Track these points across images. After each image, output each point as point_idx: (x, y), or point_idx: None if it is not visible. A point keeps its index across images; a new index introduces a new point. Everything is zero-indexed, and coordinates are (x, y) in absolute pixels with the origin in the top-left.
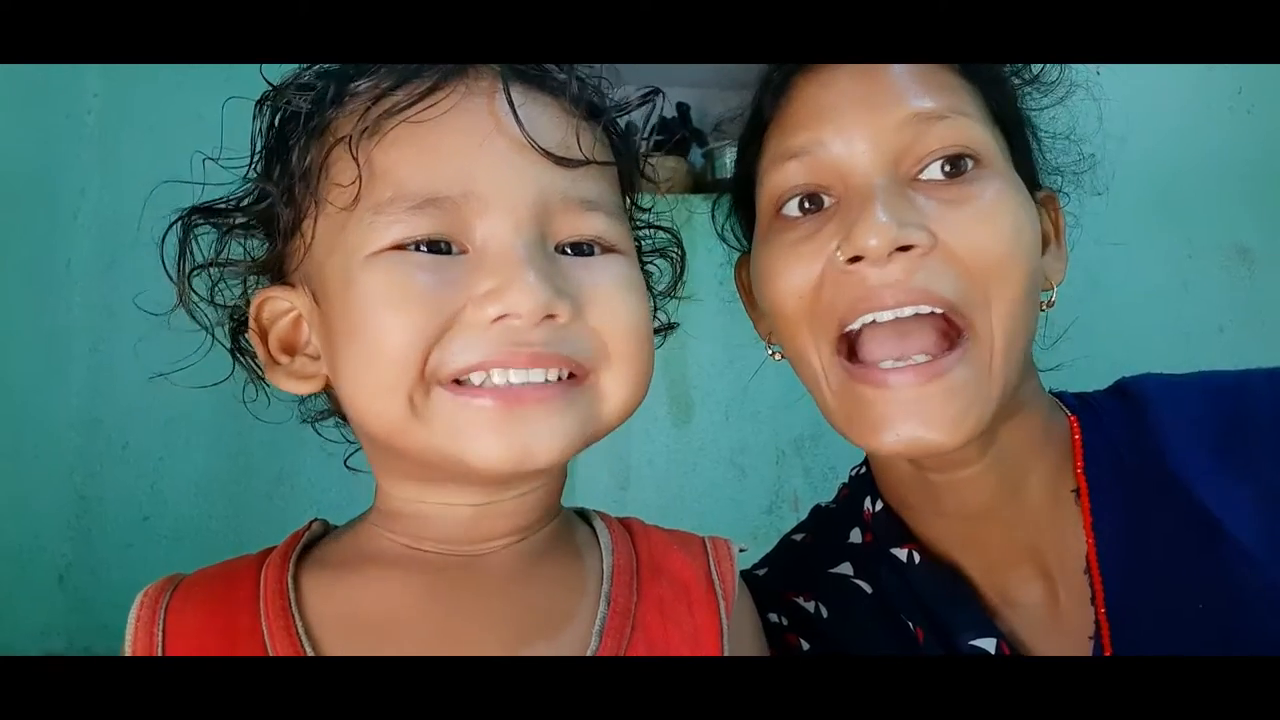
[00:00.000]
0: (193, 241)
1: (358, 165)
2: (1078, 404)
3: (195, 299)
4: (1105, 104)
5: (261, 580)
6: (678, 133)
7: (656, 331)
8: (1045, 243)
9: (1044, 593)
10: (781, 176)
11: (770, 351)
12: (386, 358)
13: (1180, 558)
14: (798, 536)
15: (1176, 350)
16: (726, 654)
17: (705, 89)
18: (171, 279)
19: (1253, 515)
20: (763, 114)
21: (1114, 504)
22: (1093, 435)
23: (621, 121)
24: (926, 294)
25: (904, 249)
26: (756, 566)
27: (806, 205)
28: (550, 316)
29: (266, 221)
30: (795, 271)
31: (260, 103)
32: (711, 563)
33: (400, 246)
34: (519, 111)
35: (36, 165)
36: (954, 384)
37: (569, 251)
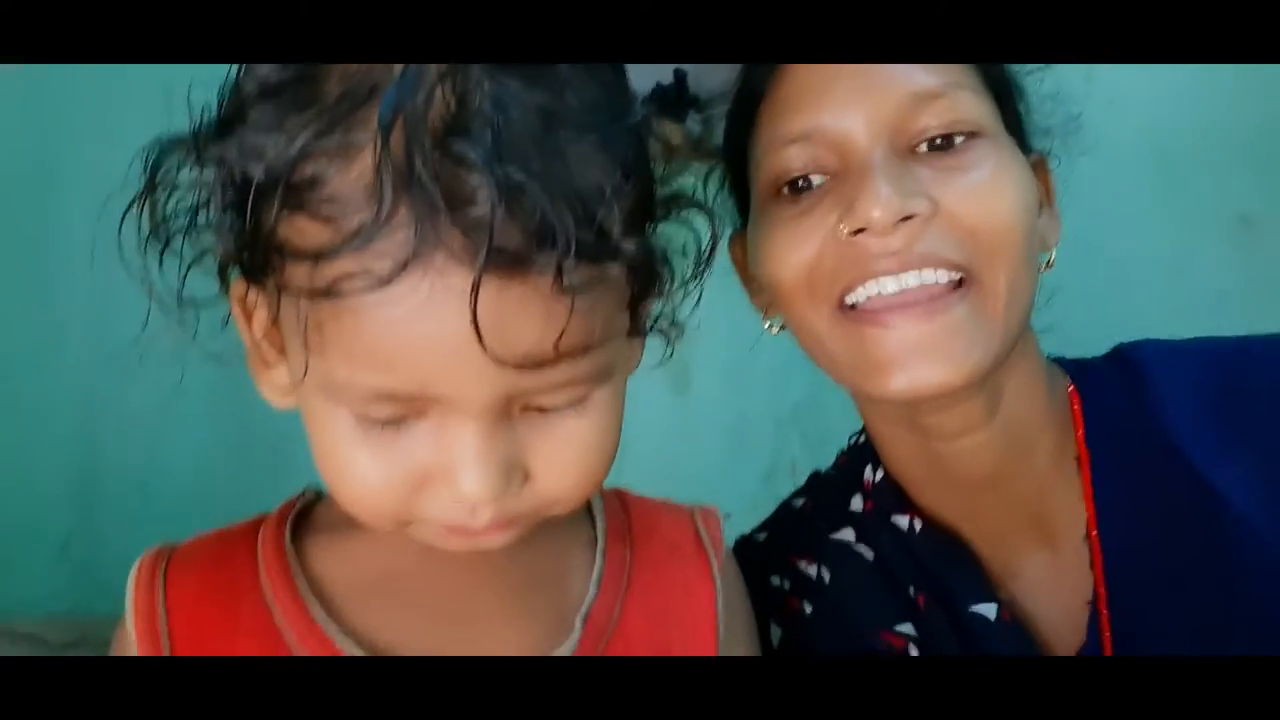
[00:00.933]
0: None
1: (305, 339)
2: (1076, 370)
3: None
4: (1100, 69)
5: (259, 544)
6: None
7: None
8: (1038, 206)
9: (1045, 560)
10: (780, 161)
11: (768, 325)
12: (361, 508)
13: (1179, 525)
14: (798, 502)
15: (1179, 317)
16: (719, 609)
17: None
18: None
19: (1251, 482)
20: (754, 89)
21: (1114, 472)
22: (1092, 403)
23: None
24: (931, 258)
25: (906, 218)
26: (757, 530)
27: (802, 184)
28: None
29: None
30: (795, 245)
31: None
32: (700, 524)
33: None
34: (493, 317)
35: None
36: (954, 321)
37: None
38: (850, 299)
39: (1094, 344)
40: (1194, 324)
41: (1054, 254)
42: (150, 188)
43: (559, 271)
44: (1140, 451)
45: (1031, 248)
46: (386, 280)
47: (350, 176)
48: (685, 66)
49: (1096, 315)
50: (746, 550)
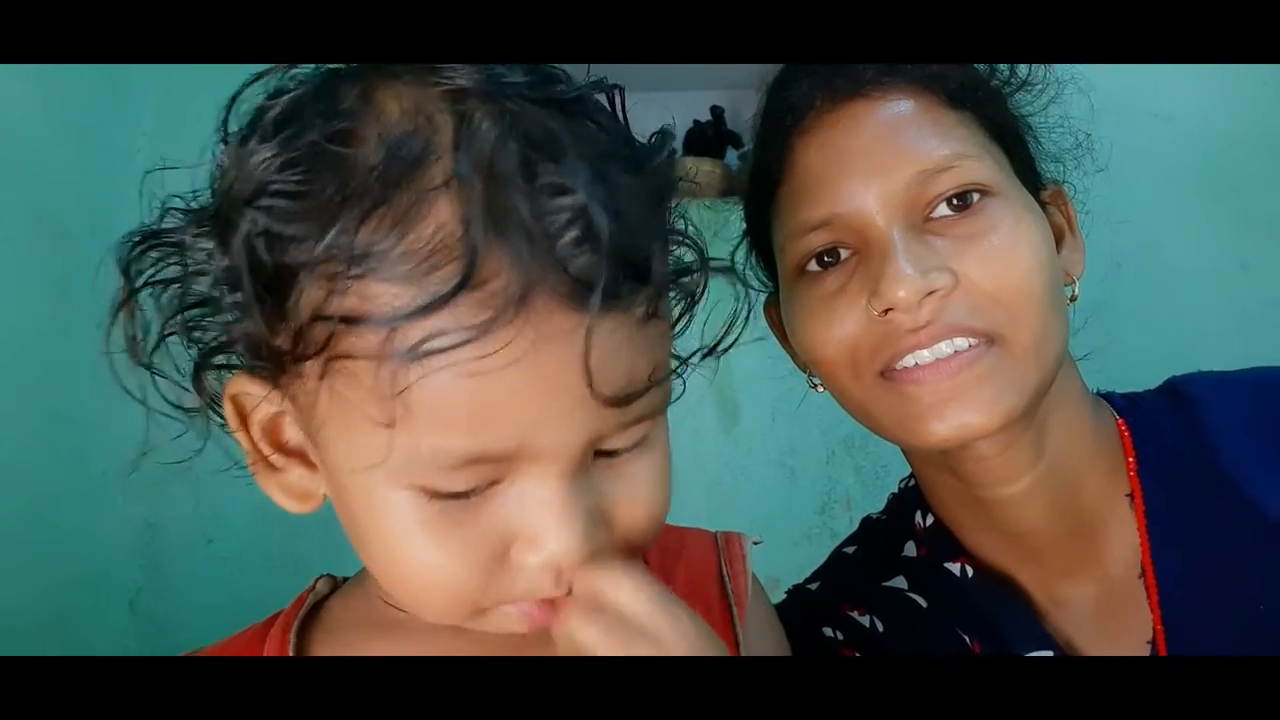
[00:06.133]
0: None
1: (381, 413)
2: (1126, 405)
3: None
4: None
5: (265, 652)
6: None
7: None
8: (1060, 239)
9: (1099, 600)
10: (803, 245)
11: (812, 384)
12: (435, 600)
13: (1236, 559)
14: (849, 549)
15: (1237, 331)
16: (742, 654)
17: (740, 90)
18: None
19: None
20: (768, 173)
21: (1167, 506)
22: (1143, 437)
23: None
24: (958, 328)
25: (931, 293)
26: (809, 580)
27: (826, 259)
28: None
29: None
30: (831, 327)
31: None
32: (723, 562)
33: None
34: (596, 354)
35: (93, 203)
36: (982, 371)
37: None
38: (889, 368)
39: (1149, 361)
40: (1254, 335)
41: (1077, 287)
42: (129, 293)
43: (649, 300)
44: (1194, 485)
45: (1055, 296)
46: (486, 330)
47: (426, 233)
48: (722, 103)
49: (1152, 330)
50: (800, 601)
